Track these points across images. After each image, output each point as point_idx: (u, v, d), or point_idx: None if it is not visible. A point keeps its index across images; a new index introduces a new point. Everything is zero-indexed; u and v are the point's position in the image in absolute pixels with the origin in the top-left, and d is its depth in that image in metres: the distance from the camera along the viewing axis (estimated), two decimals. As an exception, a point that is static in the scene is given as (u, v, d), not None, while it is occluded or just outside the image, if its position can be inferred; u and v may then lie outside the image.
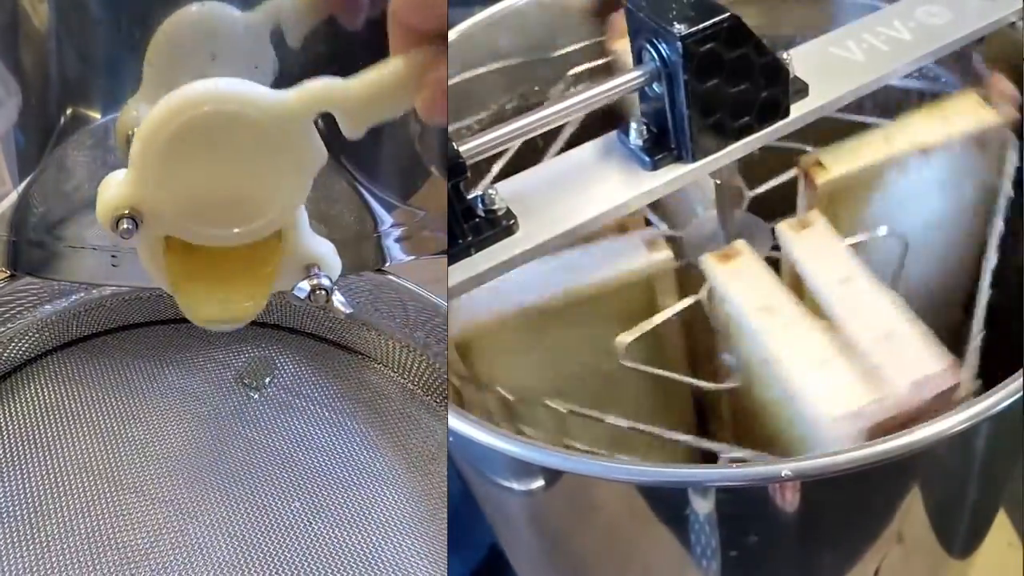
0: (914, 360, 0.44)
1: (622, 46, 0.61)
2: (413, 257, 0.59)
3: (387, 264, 0.60)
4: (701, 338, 0.55)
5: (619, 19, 0.62)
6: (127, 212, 0.43)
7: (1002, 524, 0.64)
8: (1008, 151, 0.53)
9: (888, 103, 0.59)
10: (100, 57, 0.48)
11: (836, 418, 0.43)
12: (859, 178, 0.53)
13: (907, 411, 0.43)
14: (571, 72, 0.62)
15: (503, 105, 0.62)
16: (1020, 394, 0.39)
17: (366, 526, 0.55)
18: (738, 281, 0.49)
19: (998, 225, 0.51)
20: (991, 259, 0.50)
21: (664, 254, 0.51)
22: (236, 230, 0.45)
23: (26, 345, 0.61)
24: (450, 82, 0.49)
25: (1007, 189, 0.52)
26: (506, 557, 0.60)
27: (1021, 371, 0.40)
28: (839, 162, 0.52)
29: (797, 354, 0.45)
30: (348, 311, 0.49)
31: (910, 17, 0.52)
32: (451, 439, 0.43)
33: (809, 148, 0.53)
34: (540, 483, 0.44)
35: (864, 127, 0.54)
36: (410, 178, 0.58)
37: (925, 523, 0.46)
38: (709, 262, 0.49)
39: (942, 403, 0.43)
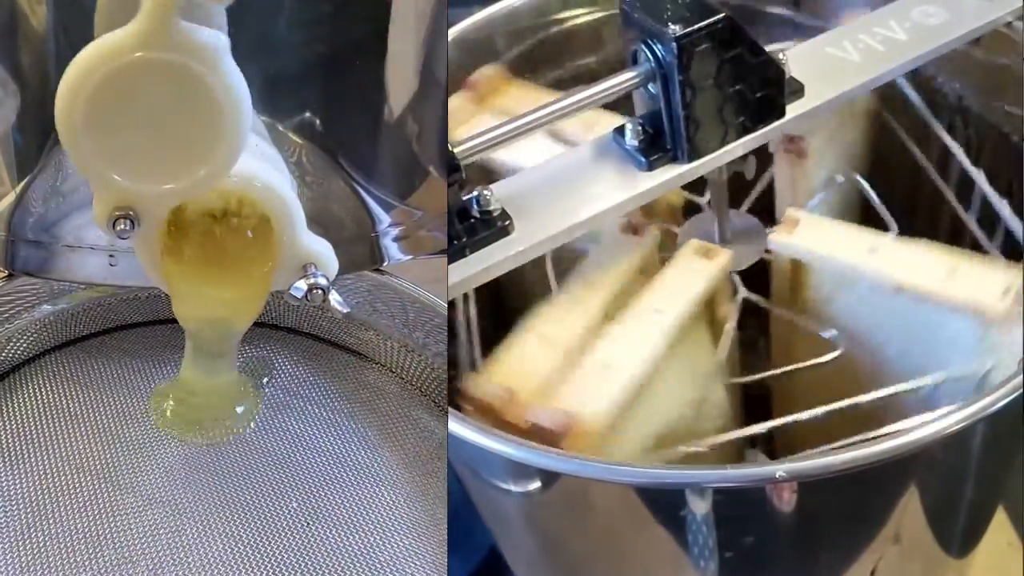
0: (582, 392, 0.44)
1: (494, 104, 0.59)
2: (411, 256, 0.59)
3: (385, 264, 0.59)
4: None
5: (482, 78, 0.60)
6: (124, 212, 0.43)
7: (1002, 524, 0.64)
8: None
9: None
10: None
11: (1004, 308, 0.44)
12: (824, 267, 0.51)
13: (522, 418, 0.44)
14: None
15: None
16: (1017, 393, 0.39)
17: (365, 527, 0.55)
18: (823, 239, 0.49)
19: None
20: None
21: (724, 257, 0.50)
22: (177, 184, 0.42)
23: (24, 345, 0.61)
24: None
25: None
26: (504, 559, 0.60)
27: (1020, 371, 0.40)
28: (811, 237, 0.51)
29: (927, 275, 0.46)
30: (345, 311, 0.48)
31: (906, 17, 0.52)
32: (448, 440, 0.43)
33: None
34: (537, 485, 0.44)
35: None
36: (408, 177, 0.58)
37: (922, 523, 0.46)
38: (780, 239, 0.50)
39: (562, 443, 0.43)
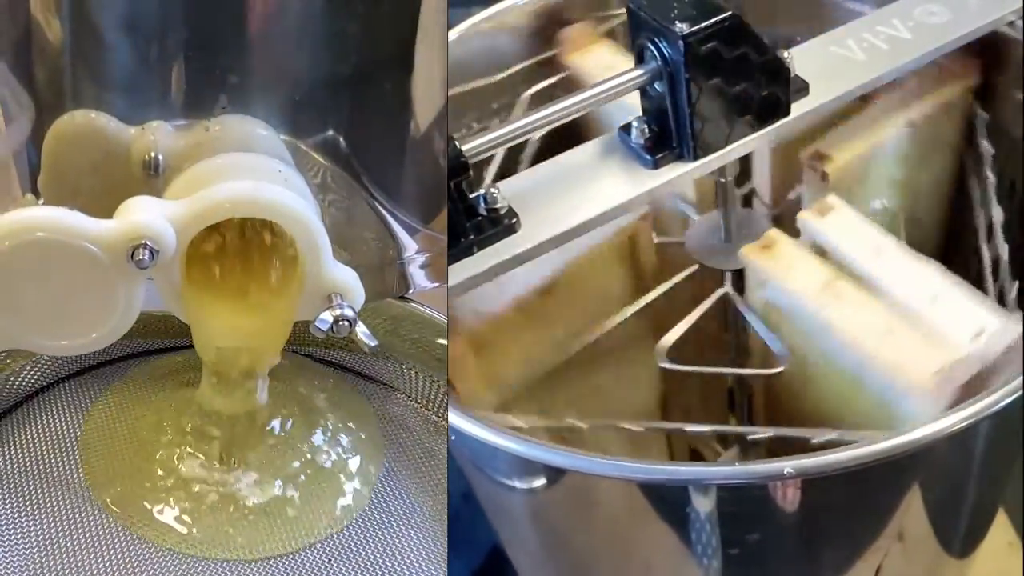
0: (970, 318, 0.45)
1: (576, 60, 0.61)
2: (437, 284, 0.57)
3: (411, 291, 0.57)
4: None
5: (570, 33, 0.62)
6: (143, 241, 0.42)
7: (1002, 524, 0.64)
8: (977, 114, 0.56)
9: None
10: (114, 72, 0.48)
11: (927, 385, 0.43)
12: (861, 162, 0.54)
13: (982, 368, 0.43)
14: (529, 92, 0.61)
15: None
16: (1019, 393, 0.40)
17: (389, 569, 0.52)
18: (786, 266, 0.49)
19: (991, 179, 0.53)
20: (994, 213, 0.51)
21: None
22: (64, 342, 0.45)
23: (37, 374, 0.58)
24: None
25: (987, 147, 0.55)
26: (507, 558, 0.60)
27: (1021, 371, 0.40)
28: (843, 151, 0.53)
29: (862, 327, 0.46)
30: (372, 344, 0.47)
31: (909, 16, 0.52)
32: (452, 437, 0.43)
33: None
34: (542, 481, 0.44)
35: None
36: (434, 201, 0.56)
37: (925, 522, 0.46)
38: (750, 254, 0.50)
39: (1008, 359, 0.43)
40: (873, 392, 0.46)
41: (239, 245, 0.48)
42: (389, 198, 0.53)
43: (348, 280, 0.46)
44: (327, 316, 0.45)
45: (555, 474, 0.43)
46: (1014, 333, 0.44)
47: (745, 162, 0.58)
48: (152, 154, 0.47)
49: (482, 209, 0.44)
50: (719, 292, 0.52)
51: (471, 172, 0.43)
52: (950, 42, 0.51)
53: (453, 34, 0.60)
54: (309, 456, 0.54)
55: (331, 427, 0.56)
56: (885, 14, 0.53)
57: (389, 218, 0.54)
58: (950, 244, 0.57)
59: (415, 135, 0.52)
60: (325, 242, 0.45)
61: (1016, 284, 0.50)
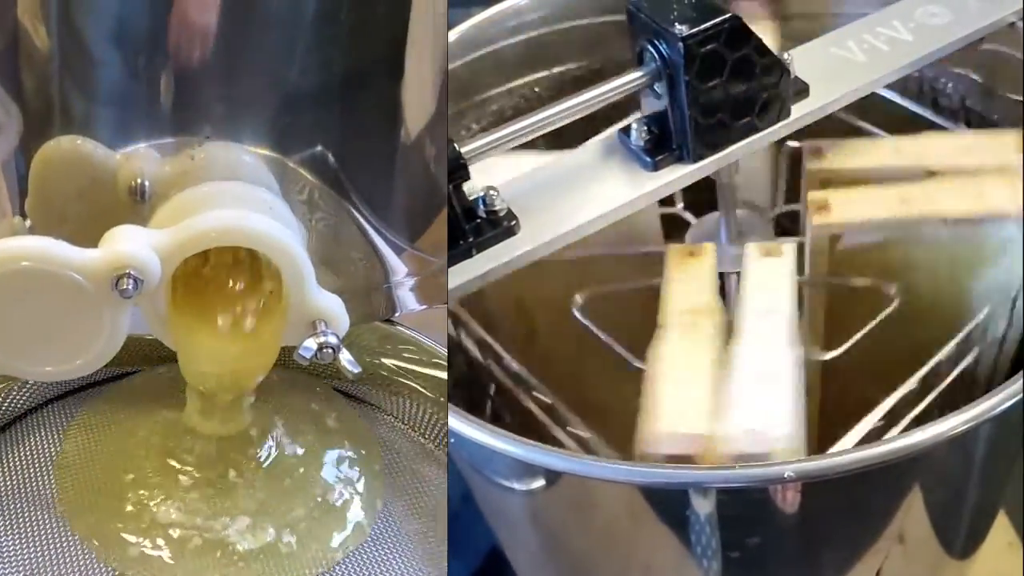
0: (763, 411, 0.43)
1: None
2: (425, 306, 0.57)
3: (399, 313, 0.57)
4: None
5: None
6: (128, 271, 0.42)
7: (1002, 525, 0.64)
8: None
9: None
10: (103, 82, 0.47)
11: (649, 433, 0.43)
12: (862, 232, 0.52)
13: (722, 453, 0.42)
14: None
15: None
16: (1020, 396, 0.40)
17: None
18: (682, 279, 0.49)
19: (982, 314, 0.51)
20: (948, 347, 0.49)
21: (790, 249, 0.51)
22: (49, 368, 0.45)
23: (25, 395, 0.57)
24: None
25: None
26: (506, 560, 0.60)
27: (1021, 374, 0.40)
28: (846, 210, 0.51)
29: (677, 362, 0.46)
30: (356, 371, 0.47)
31: (910, 17, 0.52)
32: (452, 440, 0.43)
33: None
34: (540, 483, 0.44)
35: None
36: (422, 219, 0.55)
37: (926, 524, 0.46)
38: (672, 253, 0.50)
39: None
40: (986, 253, 0.49)
41: (225, 272, 0.48)
42: (377, 215, 0.53)
43: (332, 307, 0.46)
44: (311, 343, 0.45)
45: (554, 476, 0.43)
46: (778, 444, 0.42)
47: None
48: (138, 181, 0.47)
49: (481, 211, 0.44)
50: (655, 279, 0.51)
51: (470, 174, 0.43)
52: (951, 43, 0.51)
53: (453, 34, 0.59)
54: (309, 492, 0.53)
55: (334, 457, 0.55)
56: (886, 15, 0.53)
57: (376, 238, 0.53)
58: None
59: (403, 154, 0.52)
60: (309, 270, 0.45)
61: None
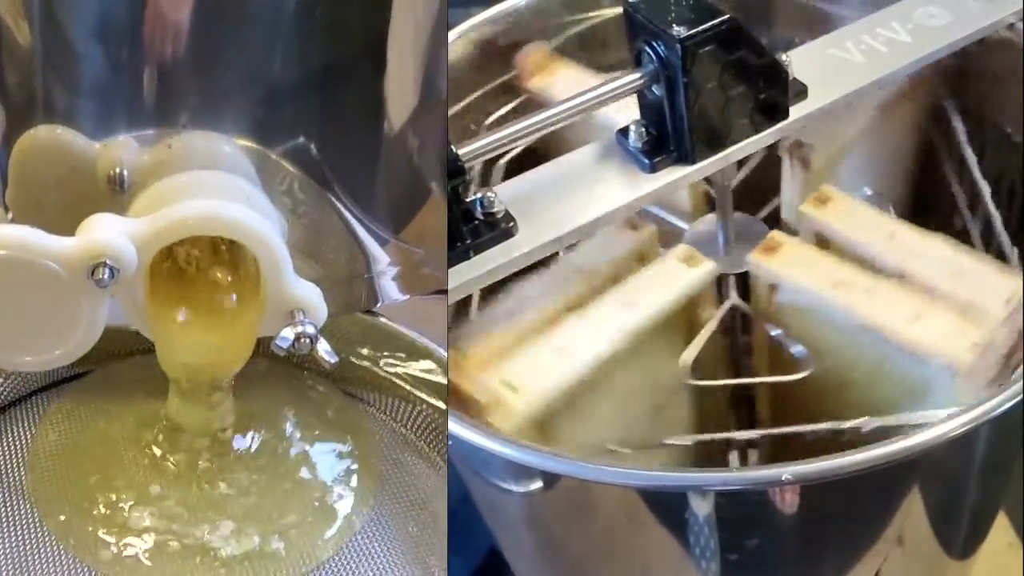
0: (996, 286, 0.45)
1: (538, 83, 0.61)
2: (407, 296, 0.56)
3: (380, 304, 0.56)
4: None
5: (529, 56, 0.61)
6: (103, 260, 0.42)
7: (1002, 525, 0.64)
8: (943, 97, 0.57)
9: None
10: (84, 75, 0.47)
11: (969, 360, 0.43)
12: (838, 150, 0.54)
13: (1015, 339, 0.44)
14: (488, 122, 0.61)
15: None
16: (1020, 397, 0.39)
17: None
18: (799, 266, 0.49)
19: (970, 156, 0.55)
20: (983, 186, 0.52)
21: (707, 267, 0.50)
22: (28, 358, 0.45)
23: (9, 386, 0.56)
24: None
25: (960, 127, 0.56)
26: (505, 560, 0.60)
27: (1021, 375, 0.40)
28: (823, 141, 0.53)
29: (893, 314, 0.46)
30: (333, 360, 0.47)
31: (908, 19, 0.52)
32: (450, 442, 0.43)
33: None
34: (538, 485, 0.44)
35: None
36: (406, 210, 0.55)
37: (926, 525, 0.46)
38: (757, 259, 0.50)
39: None
40: (908, 377, 0.46)
41: (202, 262, 0.48)
42: (359, 206, 0.53)
43: (310, 297, 0.46)
44: (288, 333, 0.45)
45: (551, 479, 0.43)
46: None
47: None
48: (117, 170, 0.47)
49: (479, 213, 0.44)
50: (727, 304, 0.52)
51: (467, 176, 0.43)
52: (950, 44, 0.51)
53: (453, 34, 0.59)
54: (297, 489, 0.52)
55: (322, 449, 0.55)
56: (884, 16, 0.52)
57: (359, 228, 0.53)
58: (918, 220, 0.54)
59: (387, 140, 0.52)
60: (286, 260, 0.45)
61: (1016, 250, 0.51)
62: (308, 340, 0.45)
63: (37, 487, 0.51)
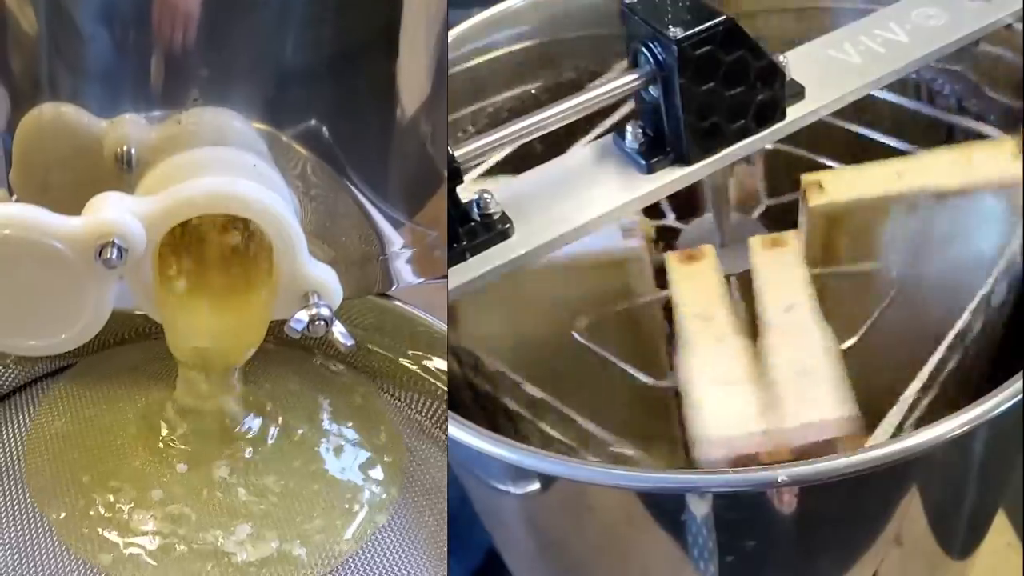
0: (814, 402, 0.44)
1: None
2: (422, 280, 0.55)
3: (394, 287, 0.55)
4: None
5: None
6: (111, 239, 0.41)
7: (1001, 525, 0.64)
8: None
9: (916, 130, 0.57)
10: (91, 60, 0.46)
11: (705, 439, 0.44)
12: (859, 208, 0.52)
13: (788, 448, 0.43)
14: None
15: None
16: (1019, 398, 0.39)
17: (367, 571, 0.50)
18: (689, 283, 0.49)
19: (988, 284, 0.50)
20: (964, 318, 0.48)
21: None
22: (32, 342, 0.43)
23: (15, 373, 0.55)
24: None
25: (1014, 248, 0.51)
26: (503, 560, 0.60)
27: (1020, 375, 0.40)
28: (840, 188, 0.51)
29: (709, 367, 0.46)
30: (349, 343, 0.45)
31: (907, 19, 0.52)
32: (450, 443, 0.43)
33: (834, 164, 0.54)
34: (535, 486, 0.44)
35: (885, 151, 0.54)
36: (420, 193, 0.54)
37: (924, 526, 0.46)
38: (671, 260, 0.50)
39: (838, 447, 0.43)
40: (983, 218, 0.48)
41: (213, 242, 0.46)
42: (373, 190, 0.52)
43: (325, 278, 0.45)
44: (303, 315, 0.44)
45: (548, 480, 0.43)
46: (844, 430, 0.44)
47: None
48: (124, 148, 0.46)
49: (475, 214, 0.44)
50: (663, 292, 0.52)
51: (463, 177, 0.43)
52: (947, 45, 0.51)
53: (453, 34, 0.59)
54: (320, 490, 0.51)
55: (344, 439, 0.54)
56: (882, 17, 0.52)
57: (373, 211, 0.52)
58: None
59: (401, 124, 0.51)
60: (300, 239, 0.44)
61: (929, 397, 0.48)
62: (323, 323, 0.44)
63: (36, 479, 0.50)
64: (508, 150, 0.46)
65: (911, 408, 0.44)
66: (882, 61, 0.50)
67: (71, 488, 0.49)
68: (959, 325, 0.48)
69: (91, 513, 0.48)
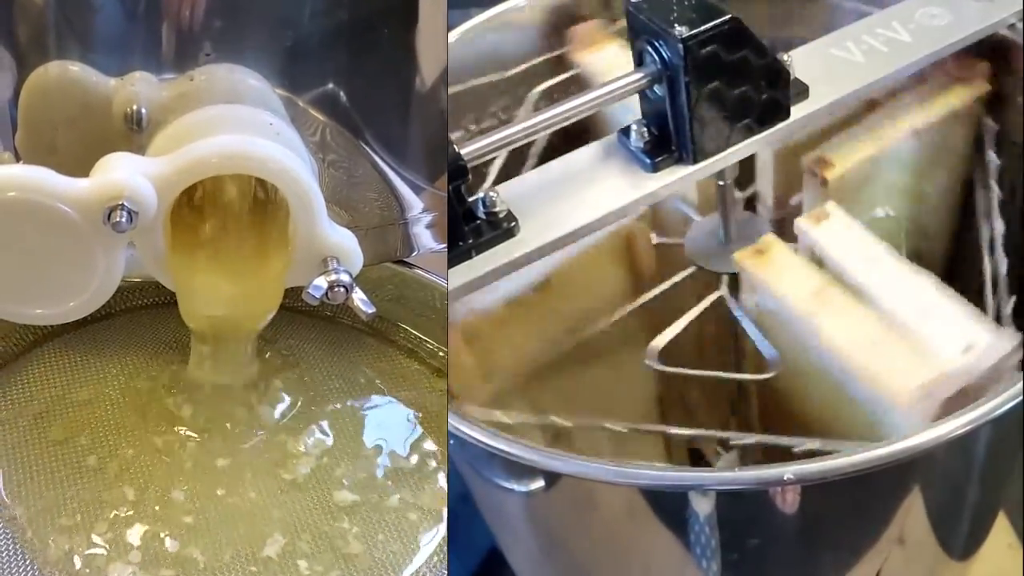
0: (960, 332, 0.44)
1: (586, 57, 0.61)
2: (443, 246, 0.53)
3: (415, 253, 0.53)
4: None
5: (581, 31, 0.61)
6: (120, 202, 0.39)
7: (1002, 526, 0.64)
8: (985, 122, 0.55)
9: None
10: (97, 28, 0.45)
11: (909, 398, 0.43)
12: (862, 169, 0.53)
13: (969, 383, 0.43)
14: (538, 89, 0.60)
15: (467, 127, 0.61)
16: (1020, 398, 0.39)
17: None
18: (778, 273, 0.49)
19: (995, 190, 0.53)
20: (996, 226, 0.51)
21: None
22: (39, 310, 0.42)
23: (13, 339, 0.53)
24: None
25: (993, 158, 0.54)
26: (505, 560, 0.60)
27: (1021, 376, 0.40)
28: (844, 157, 0.53)
29: (849, 336, 0.46)
30: (370, 311, 0.43)
31: (910, 19, 0.52)
32: (451, 441, 0.43)
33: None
34: (539, 484, 0.44)
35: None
36: (441, 157, 0.52)
37: (926, 526, 0.46)
38: (743, 259, 0.50)
39: (998, 374, 0.43)
40: (858, 402, 0.46)
41: (227, 205, 0.45)
42: (392, 154, 0.50)
43: (345, 243, 0.43)
44: (321, 282, 0.42)
45: (552, 477, 0.43)
46: (1003, 350, 0.43)
47: (748, 165, 0.57)
48: (134, 107, 0.44)
49: (480, 212, 0.44)
50: (714, 295, 0.52)
51: (470, 176, 0.43)
52: (950, 44, 0.51)
53: (453, 35, 0.59)
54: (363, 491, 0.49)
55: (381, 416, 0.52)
56: (885, 16, 0.52)
57: (392, 176, 0.50)
58: (956, 256, 0.56)
59: (420, 87, 0.50)
60: (319, 201, 0.42)
61: (1012, 299, 0.50)
62: (343, 289, 0.42)
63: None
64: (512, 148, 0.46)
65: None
66: (885, 60, 0.50)
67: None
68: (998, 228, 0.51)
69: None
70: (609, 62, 0.59)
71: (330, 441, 0.50)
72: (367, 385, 0.54)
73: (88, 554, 0.44)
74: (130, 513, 0.46)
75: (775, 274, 0.49)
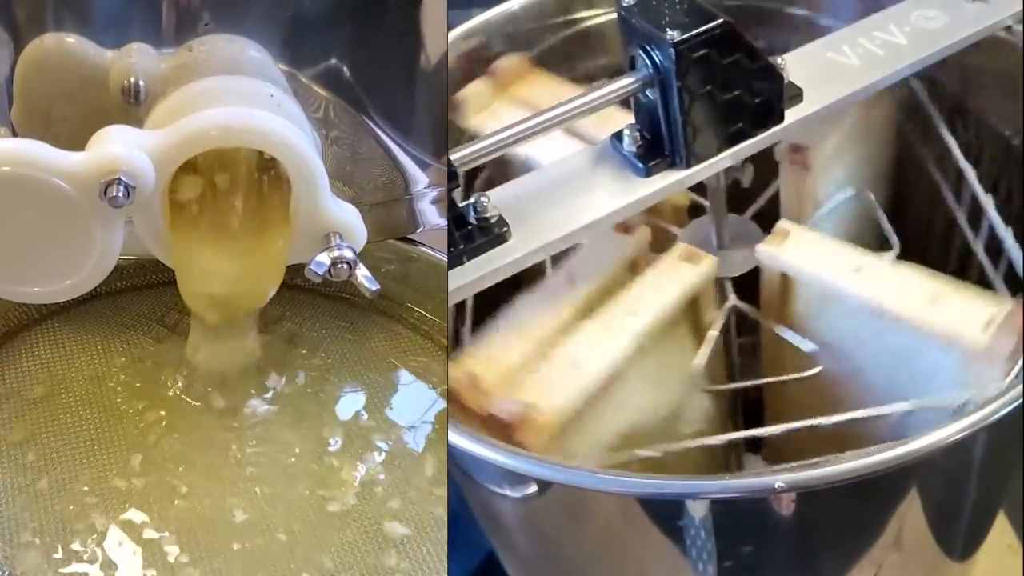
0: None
1: (516, 92, 0.58)
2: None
3: (421, 229, 0.52)
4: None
5: (504, 65, 0.59)
6: (117, 176, 0.38)
7: (1002, 527, 0.64)
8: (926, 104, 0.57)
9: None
10: (96, 4, 0.44)
11: (986, 340, 0.43)
12: (835, 151, 0.54)
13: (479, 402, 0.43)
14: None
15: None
16: (1019, 402, 0.39)
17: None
18: (810, 255, 0.49)
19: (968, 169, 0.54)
20: (985, 200, 0.51)
21: (709, 263, 0.50)
22: (36, 288, 0.41)
23: (13, 316, 0.53)
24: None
25: (950, 138, 0.55)
26: (501, 563, 0.60)
27: (1020, 378, 0.40)
28: (818, 142, 0.53)
29: (908, 299, 0.46)
30: (374, 288, 0.42)
31: (906, 22, 0.52)
32: (449, 447, 0.43)
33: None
34: (533, 490, 0.44)
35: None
36: (445, 132, 0.52)
37: (924, 530, 0.46)
38: (768, 250, 0.50)
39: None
40: (921, 363, 0.46)
41: (228, 180, 0.44)
42: (397, 129, 0.49)
43: (348, 218, 0.42)
44: (324, 258, 0.42)
45: (547, 485, 0.42)
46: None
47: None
48: (132, 79, 0.43)
49: (472, 218, 0.43)
50: (727, 305, 0.52)
51: (460, 182, 0.43)
52: (946, 47, 0.51)
53: (453, 34, 0.59)
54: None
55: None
56: (881, 19, 0.52)
57: (397, 151, 0.50)
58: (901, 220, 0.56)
59: (424, 61, 0.49)
60: (322, 175, 0.41)
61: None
62: (346, 265, 0.42)
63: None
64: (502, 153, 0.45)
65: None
66: (881, 63, 0.50)
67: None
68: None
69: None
70: (548, 92, 0.57)
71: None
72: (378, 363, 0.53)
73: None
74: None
75: (810, 256, 0.49)
